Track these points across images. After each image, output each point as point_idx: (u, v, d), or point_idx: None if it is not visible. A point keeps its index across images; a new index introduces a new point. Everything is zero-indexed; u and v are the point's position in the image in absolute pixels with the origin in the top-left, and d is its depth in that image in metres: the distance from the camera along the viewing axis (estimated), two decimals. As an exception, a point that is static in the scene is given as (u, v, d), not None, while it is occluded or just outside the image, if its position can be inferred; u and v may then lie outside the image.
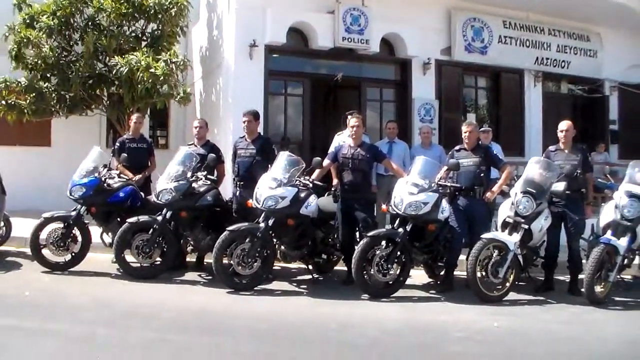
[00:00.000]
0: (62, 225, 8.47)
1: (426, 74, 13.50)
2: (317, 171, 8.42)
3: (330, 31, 12.35)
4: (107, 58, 12.11)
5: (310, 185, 8.18)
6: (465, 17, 13.99)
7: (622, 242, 7.89)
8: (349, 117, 8.99)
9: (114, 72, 11.72)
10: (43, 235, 8.41)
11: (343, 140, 9.26)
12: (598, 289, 7.77)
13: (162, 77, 11.41)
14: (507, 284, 7.81)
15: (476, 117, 14.45)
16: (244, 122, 8.94)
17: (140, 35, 12.74)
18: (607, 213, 8.31)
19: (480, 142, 8.79)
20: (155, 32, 12.72)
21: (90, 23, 12.36)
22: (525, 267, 8.35)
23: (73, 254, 8.52)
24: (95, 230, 8.85)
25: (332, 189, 8.61)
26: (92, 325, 6.05)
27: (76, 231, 8.51)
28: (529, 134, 14.81)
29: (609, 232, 8.09)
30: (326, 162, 8.60)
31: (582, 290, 7.79)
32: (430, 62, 13.48)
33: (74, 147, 11.71)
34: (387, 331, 6.40)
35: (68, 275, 8.33)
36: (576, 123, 9.16)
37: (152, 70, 11.26)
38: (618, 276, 8.08)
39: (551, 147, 8.83)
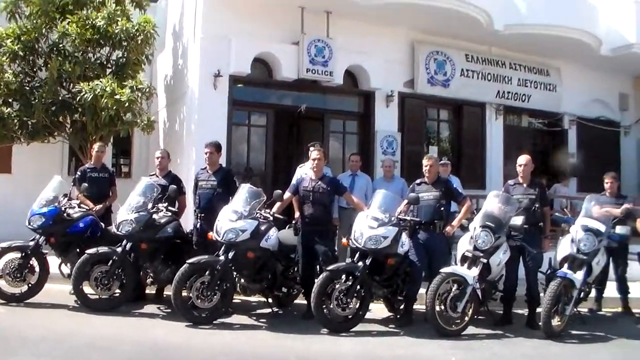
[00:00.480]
0: (19, 255, 8.35)
1: (389, 106, 13.64)
2: (278, 204, 8.43)
3: (295, 62, 12.44)
4: (71, 84, 12.04)
5: (271, 218, 8.20)
6: (428, 50, 14.19)
7: (579, 276, 8.03)
8: (311, 149, 9.05)
9: (77, 99, 11.64)
10: (-1, 265, 8.29)
11: (305, 173, 9.31)
12: (555, 322, 7.88)
13: (127, 104, 11.39)
14: (466, 318, 7.85)
15: (438, 149, 14.62)
16: (206, 153, 8.96)
17: (105, 63, 12.68)
18: (564, 247, 8.44)
19: (440, 176, 8.88)
20: (121, 60, 12.66)
21: (54, 49, 12.30)
22: (484, 300, 8.38)
23: (30, 285, 8.38)
24: (53, 261, 8.73)
25: (293, 222, 8.62)
26: (49, 359, 5.96)
27: (34, 261, 8.38)
28: (490, 167, 15.00)
29: (566, 265, 8.20)
30: (287, 194, 8.61)
31: (540, 323, 7.87)
32: (393, 95, 13.64)
33: (35, 174, 11.62)
34: (346, 366, 6.42)
35: (24, 307, 8.19)
36: (536, 156, 9.34)
37: (117, 96, 11.23)
38: (575, 309, 8.23)
39: (510, 181, 8.96)
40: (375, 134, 13.47)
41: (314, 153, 8.66)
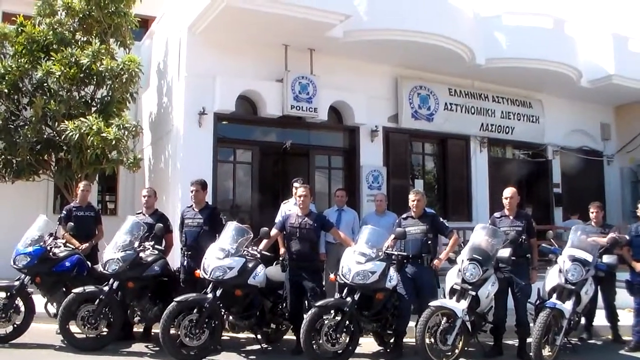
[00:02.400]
0: (4, 295, 8.30)
1: (374, 141, 13.70)
2: (264, 241, 8.44)
3: (279, 99, 12.48)
4: (56, 123, 12.03)
5: (258, 255, 8.20)
6: (412, 85, 14.31)
7: (567, 306, 8.09)
8: (295, 185, 9.08)
9: (62, 137, 11.63)
10: (-16, 306, 8.19)
11: (289, 209, 9.32)
12: (546, 352, 7.90)
13: (113, 142, 11.38)
14: (457, 351, 7.83)
15: (424, 182, 14.68)
16: (192, 191, 9.00)
17: (89, 101, 12.69)
18: (552, 277, 8.52)
19: (426, 210, 8.91)
20: (105, 98, 12.68)
21: (39, 87, 12.33)
22: (474, 332, 8.35)
23: (15, 325, 8.32)
24: (39, 300, 8.67)
25: (280, 259, 8.61)
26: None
27: (19, 301, 8.32)
28: (475, 199, 15.06)
29: (554, 296, 8.28)
30: (274, 231, 8.63)
31: (531, 354, 7.88)
32: (378, 130, 13.70)
33: (19, 213, 11.55)
34: (336, 403, 6.37)
35: (9, 347, 8.11)
36: (521, 187, 9.40)
37: (104, 134, 11.22)
38: (565, 339, 8.29)
39: (496, 214, 9.03)
40: (360, 169, 13.51)
41: (299, 190, 8.68)
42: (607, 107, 18.00)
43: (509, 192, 8.89)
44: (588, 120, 17.61)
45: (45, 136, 12.28)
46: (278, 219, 9.19)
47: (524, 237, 8.61)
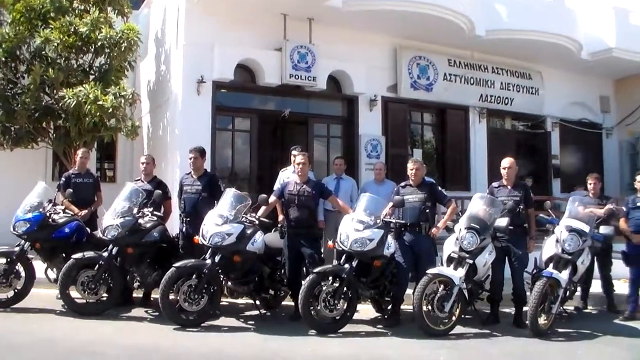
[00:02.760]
0: (4, 261, 8.33)
1: (373, 110, 13.70)
2: (263, 208, 8.48)
3: (278, 68, 12.45)
4: (54, 91, 11.99)
5: (257, 221, 8.23)
6: (411, 55, 14.26)
7: (564, 275, 8.13)
8: (294, 153, 9.09)
9: (60, 105, 11.60)
10: (-16, 271, 8.23)
11: (288, 177, 9.35)
12: (542, 320, 7.96)
13: (110, 110, 11.36)
14: (453, 318, 7.91)
15: (422, 152, 14.65)
16: (190, 158, 9.00)
17: (88, 69, 12.63)
18: (549, 247, 8.55)
19: (425, 179, 8.93)
20: (104, 66, 12.62)
21: (37, 55, 12.24)
22: (470, 300, 8.46)
23: (16, 291, 8.37)
24: (39, 266, 8.71)
25: (279, 225, 8.64)
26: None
27: (19, 267, 8.37)
28: (474, 169, 15.07)
29: (551, 265, 8.31)
30: (272, 198, 8.66)
31: (527, 322, 7.96)
32: (377, 99, 13.68)
33: (18, 180, 11.51)
34: (334, 366, 6.44)
35: (11, 312, 8.17)
36: (520, 158, 9.40)
37: (101, 103, 11.20)
38: (561, 308, 8.37)
39: (494, 184, 9.05)
40: (359, 138, 13.52)
41: (298, 158, 8.71)
42: (607, 80, 17.93)
43: (507, 162, 8.89)
44: (587, 93, 17.59)
45: (43, 104, 12.22)
46: (276, 186, 9.21)
47: (521, 207, 8.63)
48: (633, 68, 16.61)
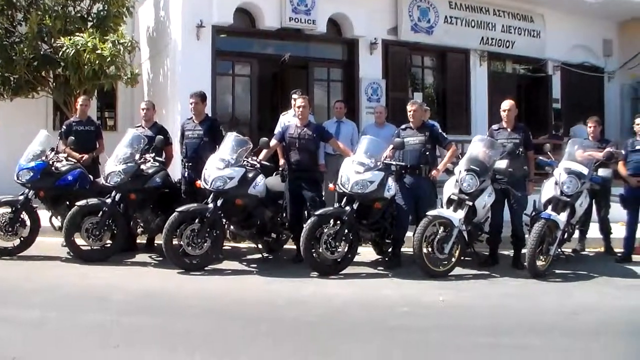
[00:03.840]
0: (9, 210, 8.39)
1: (373, 53, 13.62)
2: (264, 151, 8.49)
3: (278, 11, 12.36)
4: (52, 39, 11.91)
5: (258, 165, 8.26)
6: (412, -3, 14.11)
7: (562, 217, 8.17)
8: (294, 96, 9.08)
9: (59, 54, 11.53)
10: (-10, 220, 8.31)
11: (288, 120, 9.37)
12: (540, 262, 8.04)
13: (109, 59, 11.32)
14: (453, 259, 8.00)
15: (423, 96, 14.57)
16: (191, 103, 8.98)
17: (85, 16, 12.54)
18: (548, 189, 8.56)
19: (425, 121, 8.93)
20: (101, 13, 12.52)
21: (33, 3, 12.12)
22: (470, 242, 8.53)
23: (22, 239, 8.45)
24: (44, 214, 8.79)
25: (280, 169, 8.68)
26: (43, 309, 6.03)
27: (24, 215, 8.44)
28: (474, 113, 15.03)
29: (550, 207, 8.33)
30: (273, 142, 8.65)
31: (525, 264, 8.04)
32: (377, 42, 13.59)
33: (20, 130, 11.54)
34: (336, 307, 6.54)
35: (17, 260, 8.28)
36: (521, 102, 9.39)
37: (99, 51, 11.16)
38: (558, 250, 8.42)
39: (494, 126, 9.04)
40: (359, 81, 13.47)
41: (298, 101, 8.69)
42: (610, 23, 17.66)
43: (507, 104, 8.85)
44: (590, 36, 17.36)
45: (42, 53, 12.16)
46: (277, 130, 9.21)
47: (521, 150, 8.63)
48: (637, 11, 16.41)
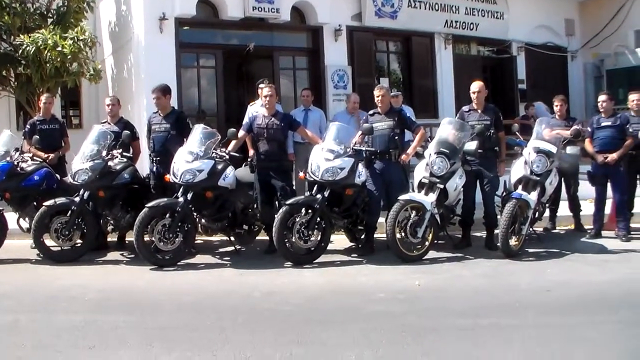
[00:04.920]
0: (-25, 212, 8.24)
1: (338, 40, 13.55)
2: (233, 143, 8.42)
3: (240, 1, 12.26)
4: (12, 37, 11.72)
5: (227, 157, 8.19)
6: (375, -18, 14.06)
7: (533, 197, 8.25)
8: (261, 86, 9.02)
9: (20, 52, 11.35)
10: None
11: (256, 111, 9.29)
12: (512, 242, 8.12)
13: (70, 56, 11.15)
14: (426, 243, 8.03)
15: (389, 81, 14.57)
16: (154, 99, 8.85)
17: (45, 12, 12.35)
18: (518, 169, 8.65)
19: (393, 106, 8.93)
20: (61, 9, 12.34)
21: (-10, 0, 11.91)
22: (443, 225, 8.57)
23: (-12, 242, 8.30)
24: (11, 216, 8.66)
25: (249, 160, 8.62)
26: (15, 313, 5.92)
27: (-10, 218, 8.28)
28: (441, 96, 15.06)
29: (520, 187, 8.42)
30: (241, 133, 8.59)
31: (498, 244, 8.09)
32: (342, 29, 13.53)
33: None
34: (311, 296, 6.53)
35: (-16, 263, 8.14)
36: (486, 83, 9.39)
37: (60, 48, 10.99)
38: (530, 229, 8.52)
39: (465, 107, 9.03)
40: (325, 69, 13.42)
41: (265, 90, 8.64)
42: (571, 3, 17.85)
43: (476, 86, 8.85)
44: (552, 16, 17.49)
45: (1, 51, 11.97)
46: (245, 120, 9.13)
47: (492, 131, 8.64)
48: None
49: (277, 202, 8.28)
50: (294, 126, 8.76)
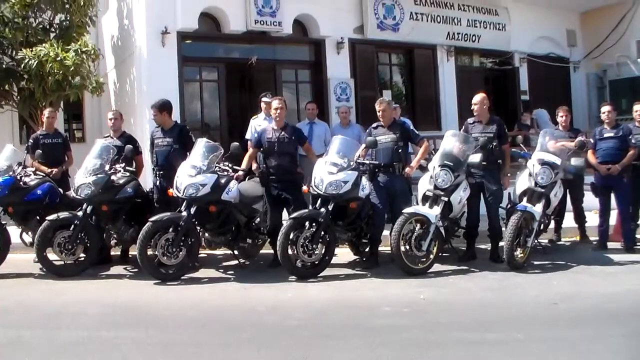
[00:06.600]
0: (-23, 227, 8.20)
1: (340, 53, 13.60)
2: (246, 158, 8.44)
3: (242, 15, 12.29)
4: (14, 52, 11.73)
5: (230, 170, 8.16)
6: (376, -5, 14.11)
7: (538, 208, 8.20)
8: (264, 100, 8.99)
9: (22, 66, 11.36)
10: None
11: (259, 124, 9.25)
12: (518, 254, 8.07)
13: (72, 68, 11.16)
14: (431, 256, 7.98)
15: (392, 93, 14.62)
16: (153, 115, 8.84)
17: (48, 27, 12.37)
18: (522, 181, 8.61)
19: (395, 119, 8.91)
20: (64, 23, 12.36)
21: (-8, 16, 11.94)
22: (447, 238, 8.57)
23: (-8, 257, 8.27)
24: (14, 231, 8.62)
25: (259, 174, 8.59)
26: (18, 329, 5.89)
27: (-6, 232, 8.25)
28: (444, 108, 15.11)
29: (525, 199, 8.37)
30: (251, 150, 8.59)
31: (503, 257, 8.06)
32: (344, 42, 13.58)
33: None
34: (316, 310, 6.50)
35: (-13, 278, 8.10)
36: (489, 95, 9.37)
37: (61, 58, 10.99)
38: (536, 241, 8.45)
39: (469, 120, 8.98)
40: (328, 82, 13.46)
41: (275, 103, 8.60)
42: (572, 13, 17.95)
43: (477, 98, 8.80)
44: (554, 27, 17.60)
45: (4, 66, 11.98)
46: (248, 135, 9.10)
47: (495, 143, 8.58)
48: (598, 0, 16.55)
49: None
50: (301, 141, 8.71)
